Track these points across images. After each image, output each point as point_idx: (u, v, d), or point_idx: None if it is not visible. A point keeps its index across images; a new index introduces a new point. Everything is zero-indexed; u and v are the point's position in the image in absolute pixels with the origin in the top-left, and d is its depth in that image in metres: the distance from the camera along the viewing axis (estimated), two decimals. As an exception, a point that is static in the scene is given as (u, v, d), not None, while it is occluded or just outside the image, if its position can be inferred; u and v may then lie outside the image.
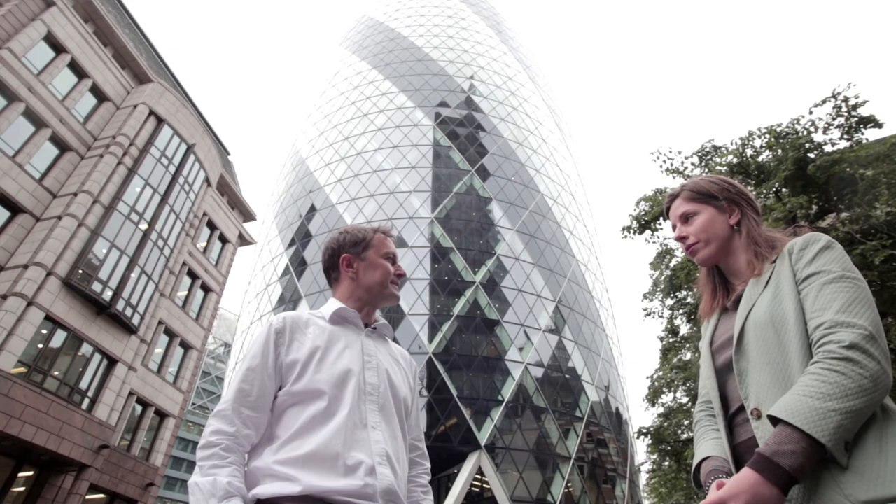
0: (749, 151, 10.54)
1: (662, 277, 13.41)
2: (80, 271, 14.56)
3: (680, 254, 12.34)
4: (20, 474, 13.64)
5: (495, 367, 28.15)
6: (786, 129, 10.02)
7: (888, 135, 9.86)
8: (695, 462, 1.43)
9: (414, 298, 29.10)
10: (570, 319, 32.52)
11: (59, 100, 16.27)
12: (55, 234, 14.29)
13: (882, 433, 1.06)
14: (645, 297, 14.29)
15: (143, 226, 17.17)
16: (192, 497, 1.23)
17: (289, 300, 32.69)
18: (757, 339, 1.26)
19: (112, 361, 15.64)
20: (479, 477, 25.49)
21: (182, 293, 21.15)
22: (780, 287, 1.28)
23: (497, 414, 26.39)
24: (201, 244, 22.71)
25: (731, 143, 10.86)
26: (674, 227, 1.59)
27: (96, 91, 17.86)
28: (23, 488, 13.77)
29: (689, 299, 12.82)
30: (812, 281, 1.23)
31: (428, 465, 1.72)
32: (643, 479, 26.16)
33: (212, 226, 23.50)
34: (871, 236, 8.12)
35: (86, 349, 14.85)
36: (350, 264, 1.68)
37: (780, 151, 9.88)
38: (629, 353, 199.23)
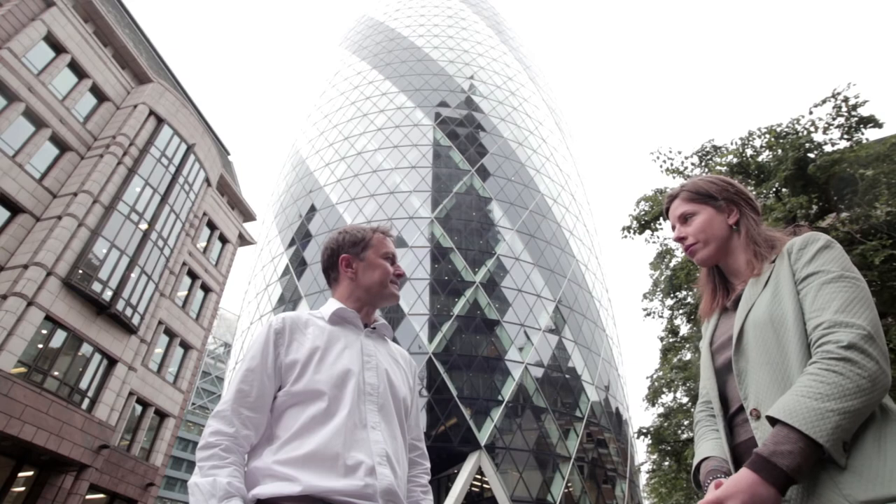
0: (749, 151, 10.53)
1: (662, 277, 13.40)
2: (80, 271, 14.56)
3: (680, 254, 12.34)
4: (20, 474, 13.64)
5: (495, 367, 28.14)
6: (786, 129, 10.02)
7: (888, 135, 9.85)
8: (695, 462, 1.43)
9: (414, 298, 29.09)
10: (570, 319, 32.51)
11: (59, 100, 16.27)
12: (55, 234, 14.29)
13: (881, 433, 1.05)
14: (645, 297, 14.28)
15: (143, 226, 17.17)
16: (192, 497, 1.23)
17: (289, 300, 32.69)
18: (756, 339, 1.26)
19: (112, 361, 15.65)
20: (479, 477, 25.48)
21: (182, 293, 21.15)
22: (779, 287, 1.28)
23: (497, 414, 26.38)
24: (201, 244, 22.71)
25: (731, 143, 10.85)
26: (673, 228, 1.59)
27: (96, 91, 17.86)
28: (23, 488, 13.78)
29: (689, 299, 12.80)
30: (811, 281, 1.23)
31: (428, 464, 1.72)
32: (643, 479, 26.15)
33: (212, 226, 23.50)
34: (871, 236, 8.11)
35: (86, 349, 14.85)
36: (349, 264, 1.68)
37: (780, 151, 9.87)
38: (629, 353, 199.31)
